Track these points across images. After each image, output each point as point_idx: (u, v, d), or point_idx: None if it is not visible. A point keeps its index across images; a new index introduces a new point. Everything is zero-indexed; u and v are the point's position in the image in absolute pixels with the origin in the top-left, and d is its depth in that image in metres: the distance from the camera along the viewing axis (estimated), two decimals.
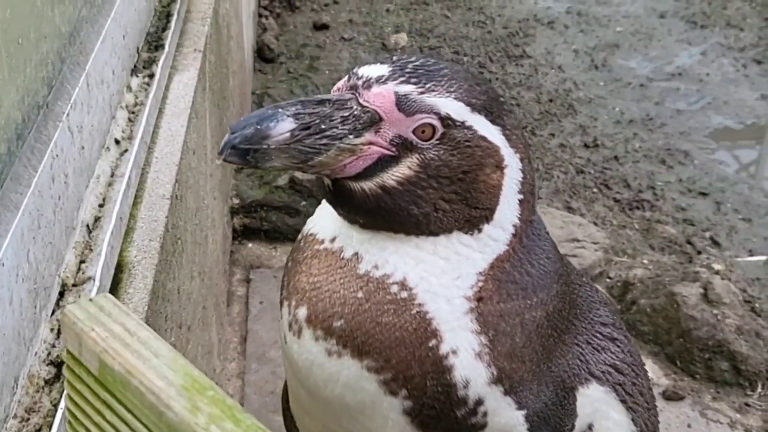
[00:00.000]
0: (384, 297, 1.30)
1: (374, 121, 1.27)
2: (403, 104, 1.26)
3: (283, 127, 1.22)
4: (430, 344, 1.29)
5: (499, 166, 1.32)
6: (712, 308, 2.95)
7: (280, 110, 1.24)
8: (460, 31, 5.61)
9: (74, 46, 1.76)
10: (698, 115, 4.84)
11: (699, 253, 3.63)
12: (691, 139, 4.59)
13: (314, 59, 5.09)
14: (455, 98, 1.28)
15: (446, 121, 1.28)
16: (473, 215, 1.32)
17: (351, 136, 1.26)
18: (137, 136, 1.95)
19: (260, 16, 5.47)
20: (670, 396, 2.81)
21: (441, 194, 1.29)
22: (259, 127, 1.21)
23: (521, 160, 1.35)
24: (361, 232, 1.34)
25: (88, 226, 1.67)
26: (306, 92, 4.68)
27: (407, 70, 1.29)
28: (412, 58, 1.33)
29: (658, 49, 5.58)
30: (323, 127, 1.24)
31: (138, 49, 2.30)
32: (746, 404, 2.84)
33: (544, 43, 5.57)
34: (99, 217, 1.71)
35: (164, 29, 2.49)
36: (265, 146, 1.21)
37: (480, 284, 1.33)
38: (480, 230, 1.34)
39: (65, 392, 0.97)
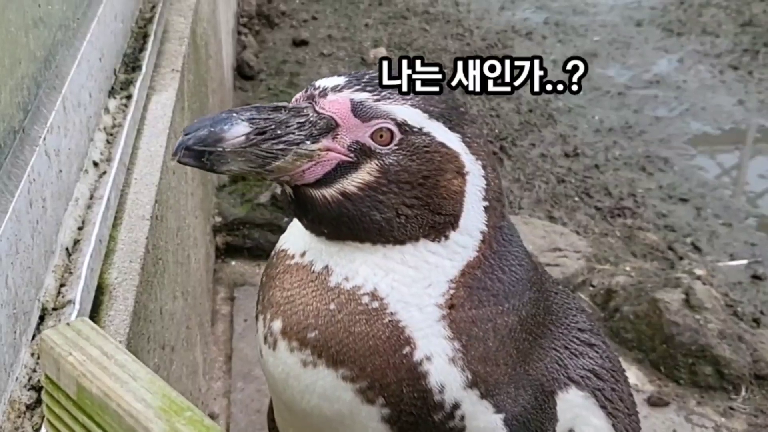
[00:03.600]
0: (356, 308, 1.31)
1: (330, 127, 1.29)
2: (358, 110, 1.29)
3: (238, 130, 1.23)
4: (404, 351, 1.30)
5: (460, 173, 1.34)
6: (694, 313, 2.97)
7: (234, 114, 1.25)
8: (439, 44, 5.64)
9: (50, 69, 1.77)
10: (677, 121, 4.89)
11: (681, 258, 3.66)
12: (670, 146, 4.63)
13: (294, 75, 5.10)
14: (411, 105, 1.31)
15: (403, 127, 1.29)
16: (438, 221, 1.33)
17: (308, 142, 1.27)
18: (116, 158, 1.95)
19: (239, 33, 5.48)
20: (655, 402, 2.83)
21: (402, 199, 1.30)
22: (213, 129, 1.23)
23: (483, 167, 1.37)
24: (330, 245, 1.35)
25: (67, 249, 1.67)
26: None
27: (364, 80, 1.32)
28: (371, 71, 1.36)
29: (635, 57, 5.63)
30: (279, 132, 1.26)
31: (115, 70, 2.30)
32: (731, 408, 2.85)
33: (522, 54, 5.60)
34: (78, 240, 1.71)
35: (141, 50, 2.50)
36: (220, 149, 1.22)
37: (451, 291, 1.34)
38: (447, 237, 1.35)
39: (45, 417, 0.97)
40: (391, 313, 1.32)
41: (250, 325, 3.06)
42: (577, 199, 4.09)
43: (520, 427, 1.40)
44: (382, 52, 5.44)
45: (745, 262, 3.72)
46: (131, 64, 2.42)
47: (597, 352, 1.60)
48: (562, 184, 4.20)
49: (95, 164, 1.94)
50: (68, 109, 1.79)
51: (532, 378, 1.43)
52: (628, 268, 3.47)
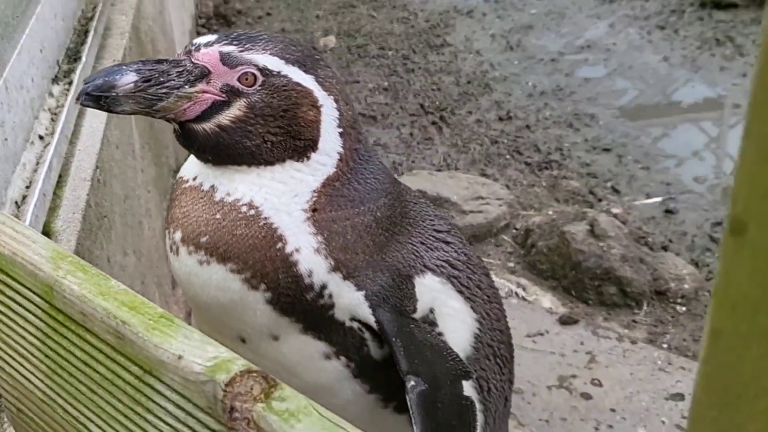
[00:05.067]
0: (237, 216, 1.66)
1: (204, 74, 1.64)
2: (226, 59, 1.63)
3: (128, 78, 1.58)
4: (278, 246, 1.65)
5: (315, 106, 1.68)
6: (598, 241, 3.33)
7: (123, 67, 1.60)
8: (385, 29, 6.00)
9: None
10: (605, 81, 5.24)
11: (600, 200, 4.02)
12: (597, 103, 4.99)
13: None
14: (270, 54, 1.65)
15: (264, 71, 1.64)
16: (299, 145, 1.68)
17: (186, 86, 1.62)
18: (58, 131, 2.31)
19: (198, 34, 5.84)
20: (566, 321, 3.18)
21: (267, 129, 1.65)
22: (106, 78, 1.57)
23: (336, 101, 1.71)
24: (214, 169, 1.71)
25: (16, 202, 2.02)
26: None
27: (232, 36, 1.67)
28: (239, 30, 1.71)
29: (569, 26, 5.99)
30: (162, 79, 1.61)
31: (58, 61, 2.66)
32: (634, 321, 3.22)
33: (463, 31, 5.97)
34: (26, 196, 2.07)
35: (83, 44, 2.86)
36: (114, 94, 1.57)
37: (314, 199, 1.69)
38: (308, 158, 1.70)
39: None
40: (266, 218, 1.66)
41: None
42: (508, 156, 4.45)
43: (379, 302, 1.74)
44: (331, 40, 5.80)
45: (659, 199, 4.07)
46: (73, 56, 2.78)
47: (452, 248, 1.93)
48: (495, 144, 4.56)
49: (41, 137, 2.30)
50: (10, 89, 2.14)
51: (389, 264, 1.77)
52: (550, 212, 3.83)
